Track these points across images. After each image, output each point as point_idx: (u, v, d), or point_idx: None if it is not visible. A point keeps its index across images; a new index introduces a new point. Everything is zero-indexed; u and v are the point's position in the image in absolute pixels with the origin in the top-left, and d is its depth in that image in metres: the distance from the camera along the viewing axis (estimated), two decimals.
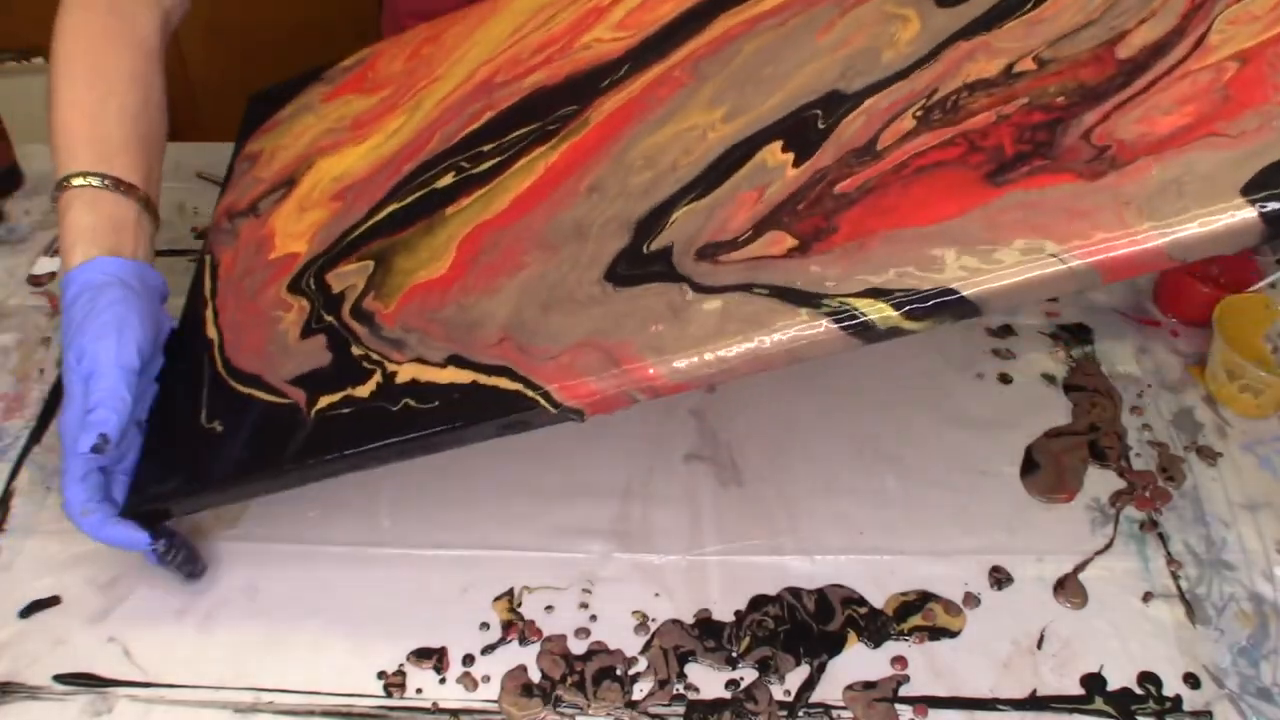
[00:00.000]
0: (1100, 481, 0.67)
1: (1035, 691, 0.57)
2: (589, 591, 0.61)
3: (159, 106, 0.68)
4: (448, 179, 0.63)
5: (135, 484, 0.58)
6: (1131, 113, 0.50)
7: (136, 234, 0.61)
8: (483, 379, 0.52)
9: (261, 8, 1.54)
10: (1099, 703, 0.57)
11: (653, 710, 0.56)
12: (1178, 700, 0.57)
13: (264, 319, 0.62)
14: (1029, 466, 0.68)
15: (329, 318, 0.59)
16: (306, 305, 0.61)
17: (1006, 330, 0.77)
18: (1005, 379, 0.74)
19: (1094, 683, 0.57)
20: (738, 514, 0.65)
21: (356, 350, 0.57)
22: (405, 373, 0.54)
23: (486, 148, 0.63)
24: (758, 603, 0.60)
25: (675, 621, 0.59)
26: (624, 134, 0.59)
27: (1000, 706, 0.56)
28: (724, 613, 0.60)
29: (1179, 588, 0.62)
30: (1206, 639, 0.60)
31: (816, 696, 0.56)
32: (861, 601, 0.60)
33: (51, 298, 0.76)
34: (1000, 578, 0.62)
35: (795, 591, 0.61)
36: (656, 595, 0.60)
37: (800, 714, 0.56)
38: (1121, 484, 0.67)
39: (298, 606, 0.60)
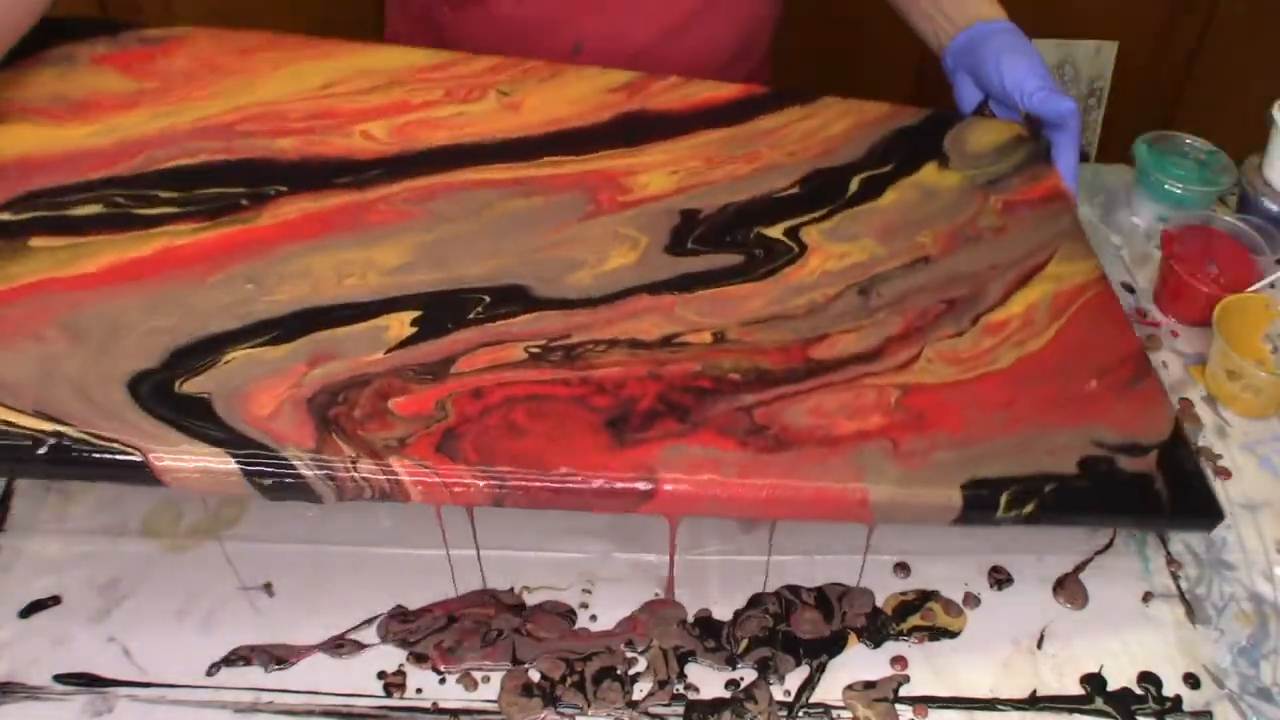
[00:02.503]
0: None
1: (1035, 691, 0.57)
2: (589, 591, 0.61)
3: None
4: (89, 209, 0.57)
5: None
6: (803, 403, 0.55)
7: None
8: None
9: (261, 8, 1.53)
10: (1099, 703, 0.57)
11: (653, 710, 0.56)
12: (1178, 700, 0.57)
13: None
14: None
15: None
16: None
17: None
18: None
19: (1094, 683, 0.57)
20: None
21: None
22: None
23: (164, 194, 0.59)
24: (757, 602, 0.60)
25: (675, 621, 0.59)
26: (284, 244, 0.57)
27: (1000, 706, 0.56)
28: (724, 613, 0.60)
29: (1179, 588, 0.62)
30: (1206, 639, 0.60)
31: (816, 696, 0.56)
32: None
33: None
34: (1000, 578, 0.62)
35: (795, 590, 0.61)
36: (656, 595, 0.60)
37: (800, 714, 0.56)
38: None
39: (298, 606, 0.60)
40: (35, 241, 0.55)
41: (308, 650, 0.57)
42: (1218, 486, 0.67)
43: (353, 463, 0.48)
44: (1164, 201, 0.84)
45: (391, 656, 0.57)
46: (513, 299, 0.57)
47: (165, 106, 0.64)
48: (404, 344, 0.54)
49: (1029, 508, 0.55)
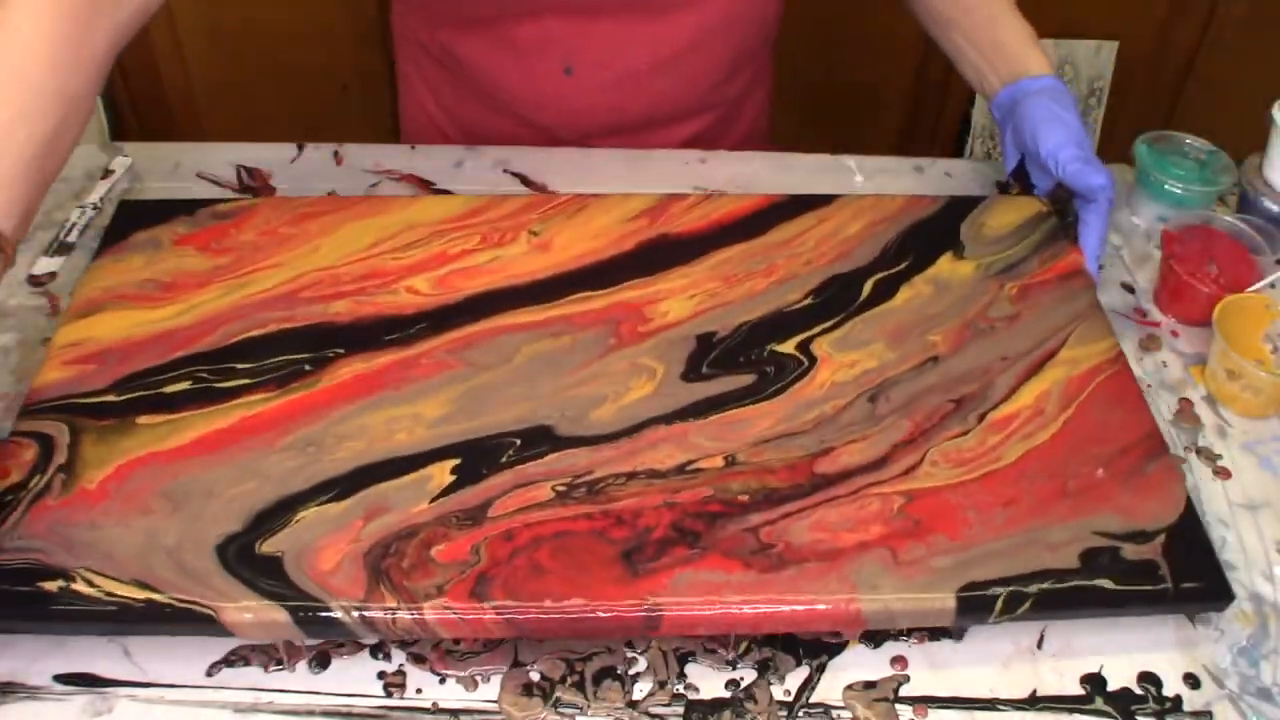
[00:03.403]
0: None
1: (1035, 691, 0.57)
2: None
3: (77, 125, 0.63)
4: (179, 386, 0.65)
5: None
6: (808, 518, 0.59)
7: None
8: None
9: (261, 8, 1.53)
10: (1099, 703, 0.57)
11: (653, 710, 0.56)
12: (1178, 700, 0.57)
13: None
14: None
15: None
16: None
17: None
18: None
19: (1094, 683, 0.58)
20: None
21: None
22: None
23: (240, 366, 0.66)
24: None
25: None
26: (341, 405, 0.64)
27: (1000, 706, 0.56)
28: None
29: None
30: (1206, 639, 0.60)
31: (816, 696, 0.56)
32: None
33: (51, 297, 0.76)
34: None
35: None
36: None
37: (800, 714, 0.56)
38: None
39: None
40: (140, 420, 0.63)
41: (308, 650, 0.57)
42: (1218, 487, 0.67)
43: (392, 613, 0.55)
44: (1164, 201, 0.84)
45: (391, 656, 0.57)
46: (541, 440, 0.62)
47: (236, 280, 0.72)
48: (446, 491, 0.60)
49: (1025, 607, 0.56)
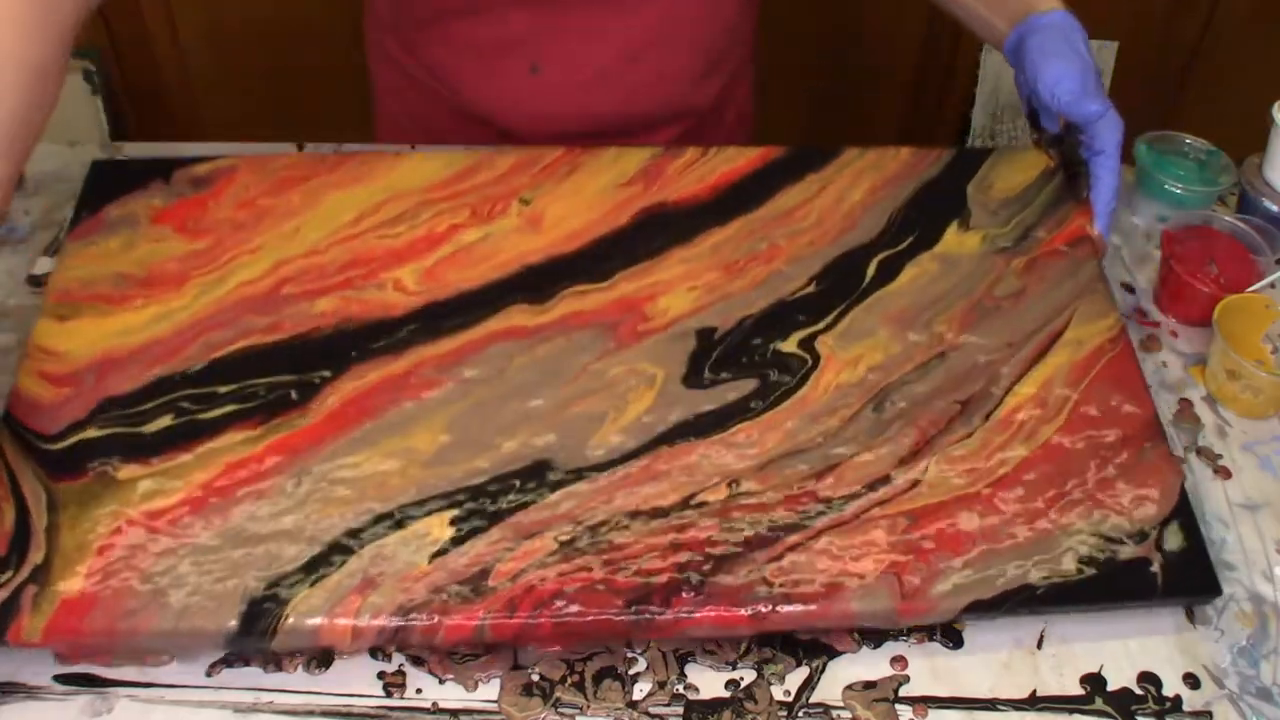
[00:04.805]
0: None
1: (1035, 691, 0.57)
2: None
3: (48, 98, 0.61)
4: (161, 422, 0.61)
5: None
6: (811, 549, 0.58)
7: None
8: None
9: (262, 8, 1.53)
10: (1099, 703, 0.57)
11: (653, 710, 0.56)
12: (1178, 700, 0.57)
13: None
14: None
15: None
16: None
17: None
18: None
19: (1094, 683, 0.58)
20: None
21: None
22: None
23: (223, 389, 0.63)
24: None
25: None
26: (331, 440, 0.61)
27: (1000, 707, 0.56)
28: None
29: None
30: (1206, 639, 0.60)
31: (816, 696, 0.56)
32: None
33: None
34: None
35: None
36: None
37: (800, 714, 0.56)
38: None
39: None
40: (121, 474, 0.59)
41: (308, 650, 0.57)
42: (1218, 487, 0.67)
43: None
44: (1164, 201, 0.84)
45: (391, 657, 0.57)
46: (540, 478, 0.60)
47: (215, 272, 0.69)
48: (443, 550, 0.57)
49: (1020, 613, 0.58)
